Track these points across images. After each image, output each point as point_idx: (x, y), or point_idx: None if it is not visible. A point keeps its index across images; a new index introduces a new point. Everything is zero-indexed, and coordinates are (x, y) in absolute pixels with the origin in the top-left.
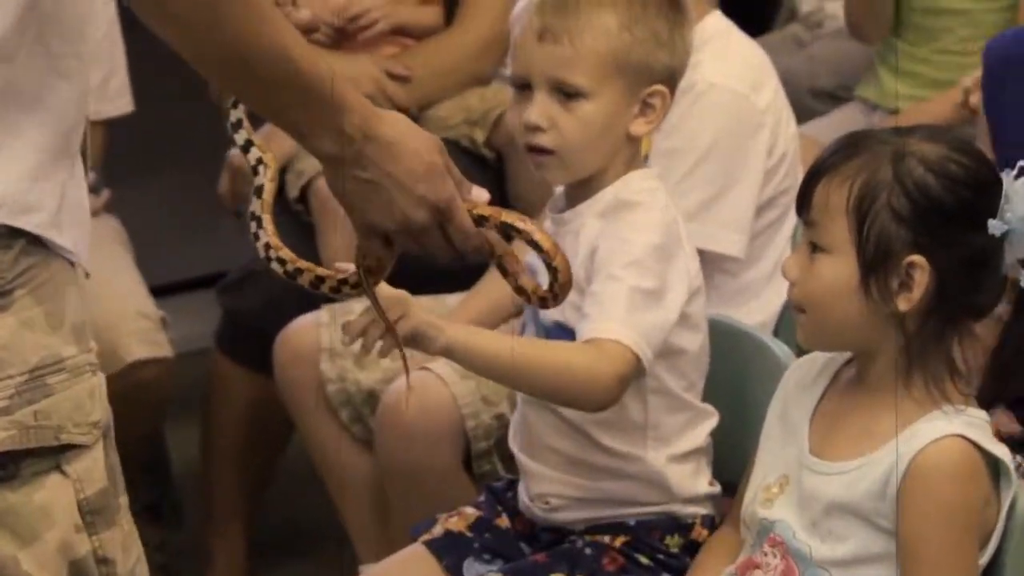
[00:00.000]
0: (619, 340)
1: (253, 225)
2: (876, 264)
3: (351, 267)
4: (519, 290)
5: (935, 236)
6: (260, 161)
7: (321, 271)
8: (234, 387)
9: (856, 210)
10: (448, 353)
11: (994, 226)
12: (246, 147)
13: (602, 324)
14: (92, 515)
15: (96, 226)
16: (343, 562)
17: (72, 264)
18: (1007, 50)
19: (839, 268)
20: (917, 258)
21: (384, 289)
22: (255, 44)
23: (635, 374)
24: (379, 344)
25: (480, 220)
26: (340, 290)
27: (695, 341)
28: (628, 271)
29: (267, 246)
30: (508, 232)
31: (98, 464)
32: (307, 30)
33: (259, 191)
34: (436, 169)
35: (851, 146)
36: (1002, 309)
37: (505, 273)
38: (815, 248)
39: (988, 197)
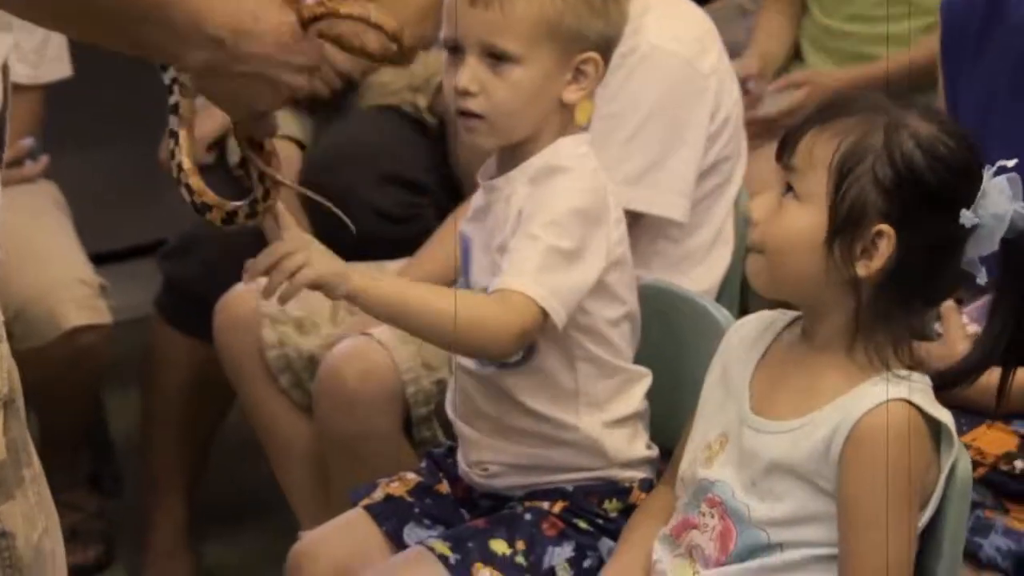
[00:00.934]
0: (525, 292)
1: (171, 142)
2: (845, 224)
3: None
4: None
5: (908, 211)
6: (175, 80)
7: (230, 206)
8: (174, 354)
9: (839, 168)
10: (351, 299)
11: (966, 217)
12: (164, 66)
13: (512, 278)
14: None
15: (34, 192)
16: (283, 528)
17: None
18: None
19: (807, 218)
20: (886, 228)
21: (290, 231)
22: None
23: (540, 329)
24: (283, 286)
25: (313, 20)
26: (255, 214)
27: (617, 311)
28: (546, 230)
29: (179, 167)
30: (345, 18)
31: None
32: None
33: (175, 108)
34: (297, 32)
35: (847, 104)
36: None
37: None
38: (788, 194)
39: (967, 186)
